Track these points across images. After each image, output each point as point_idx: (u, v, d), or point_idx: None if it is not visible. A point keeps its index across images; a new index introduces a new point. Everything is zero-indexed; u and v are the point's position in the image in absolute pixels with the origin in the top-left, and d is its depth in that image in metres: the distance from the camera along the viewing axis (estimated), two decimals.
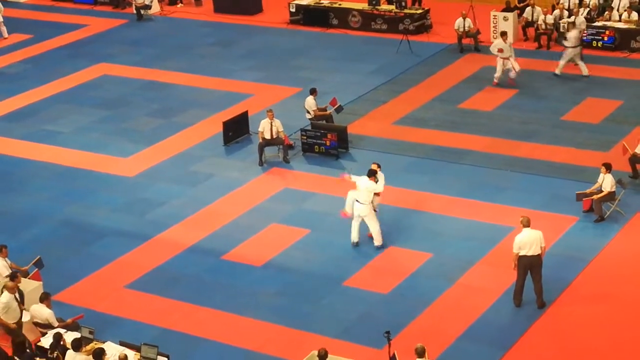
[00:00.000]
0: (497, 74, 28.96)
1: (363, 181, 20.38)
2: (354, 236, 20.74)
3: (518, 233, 18.22)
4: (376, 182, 20.38)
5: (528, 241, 18.02)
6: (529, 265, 18.12)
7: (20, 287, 18.20)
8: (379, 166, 20.87)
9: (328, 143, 24.99)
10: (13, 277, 18.26)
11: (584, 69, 29.16)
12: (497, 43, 28.93)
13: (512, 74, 28.78)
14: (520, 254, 18.06)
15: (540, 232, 18.18)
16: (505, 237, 20.63)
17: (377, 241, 20.64)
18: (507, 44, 28.77)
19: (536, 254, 18.07)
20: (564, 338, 17.57)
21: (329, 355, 15.59)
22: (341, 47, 33.59)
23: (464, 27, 32.08)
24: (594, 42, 31.36)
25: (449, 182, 23.34)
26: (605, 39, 31.30)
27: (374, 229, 20.58)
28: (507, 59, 28.68)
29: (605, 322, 17.94)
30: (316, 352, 15.70)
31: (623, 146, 23.61)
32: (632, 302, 18.46)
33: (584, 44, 30.18)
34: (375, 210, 20.63)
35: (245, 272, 20.21)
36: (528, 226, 18.13)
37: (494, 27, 32.76)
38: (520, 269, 18.19)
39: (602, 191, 21.29)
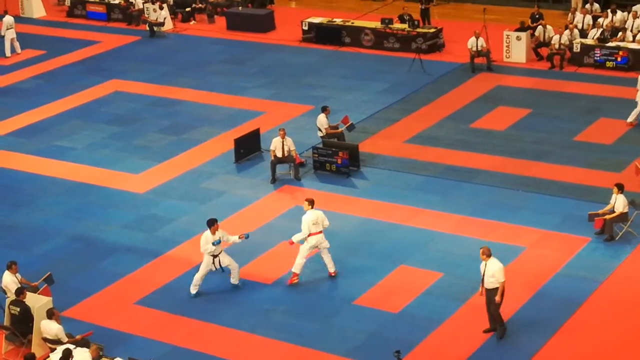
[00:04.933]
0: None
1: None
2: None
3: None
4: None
5: None
6: None
7: (30, 303, 18.20)
8: (310, 203, 20.22)
9: (339, 161, 24.95)
10: (19, 292, 18.27)
11: None
12: None
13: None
14: None
15: None
16: (516, 257, 20.56)
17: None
18: None
19: None
20: (576, 358, 17.42)
21: None
22: (353, 65, 33.61)
23: (477, 46, 32.04)
24: (608, 62, 31.31)
25: (461, 202, 23.26)
26: (619, 59, 31.26)
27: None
28: None
29: (617, 344, 17.78)
30: None
31: (636, 167, 23.51)
32: None
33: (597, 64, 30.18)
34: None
35: (255, 290, 20.13)
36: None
37: (506, 46, 32.74)
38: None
39: (614, 212, 21.18)
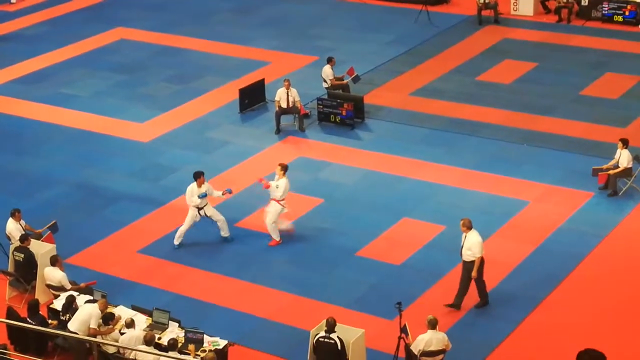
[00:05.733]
0: None
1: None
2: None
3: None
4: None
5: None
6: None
7: (34, 249, 18.29)
8: (283, 169, 19.89)
9: (344, 113, 24.88)
10: (23, 239, 18.34)
11: None
12: None
13: None
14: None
15: None
16: (520, 211, 20.57)
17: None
18: None
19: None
20: (577, 312, 17.49)
21: (339, 324, 15.59)
22: (360, 16, 33.39)
23: None
24: (616, 16, 31.09)
25: (465, 155, 23.23)
26: (627, 13, 31.03)
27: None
28: None
29: (618, 297, 17.85)
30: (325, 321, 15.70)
31: None
32: None
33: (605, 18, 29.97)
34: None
35: (259, 240, 20.19)
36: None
37: None
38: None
39: (618, 167, 21.15)
